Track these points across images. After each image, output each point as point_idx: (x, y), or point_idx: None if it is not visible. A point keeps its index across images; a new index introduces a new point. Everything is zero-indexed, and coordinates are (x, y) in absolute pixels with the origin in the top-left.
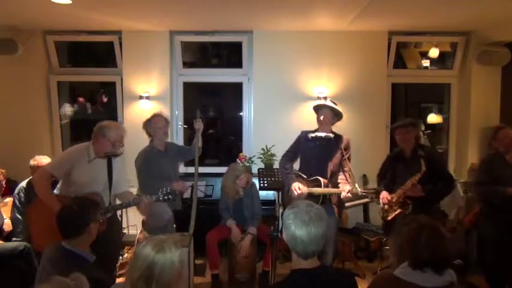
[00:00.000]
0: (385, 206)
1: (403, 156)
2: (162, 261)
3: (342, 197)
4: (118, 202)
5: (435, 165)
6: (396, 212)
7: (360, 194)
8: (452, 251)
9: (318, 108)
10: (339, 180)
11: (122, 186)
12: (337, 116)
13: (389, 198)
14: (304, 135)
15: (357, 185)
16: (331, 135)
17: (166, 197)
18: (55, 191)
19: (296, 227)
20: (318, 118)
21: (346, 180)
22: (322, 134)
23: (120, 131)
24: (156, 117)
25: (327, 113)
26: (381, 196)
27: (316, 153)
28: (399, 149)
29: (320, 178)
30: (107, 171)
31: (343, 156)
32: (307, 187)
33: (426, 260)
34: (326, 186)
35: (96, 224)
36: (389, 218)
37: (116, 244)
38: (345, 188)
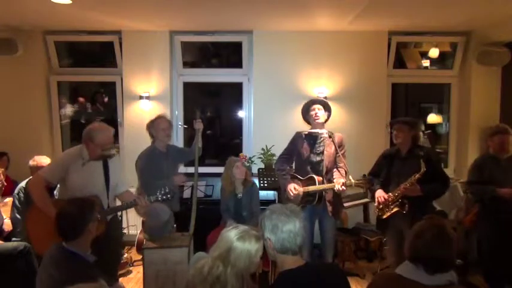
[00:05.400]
0: (381, 206)
1: (399, 155)
2: (240, 249)
3: (336, 189)
4: (118, 203)
5: (432, 165)
6: (393, 211)
7: (353, 185)
8: (450, 258)
9: (308, 107)
10: (334, 176)
11: (120, 187)
12: (328, 110)
13: (385, 197)
14: (299, 135)
15: (351, 177)
16: (326, 131)
17: (164, 197)
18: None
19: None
20: (310, 117)
21: (341, 175)
22: (318, 131)
23: (107, 133)
24: (160, 118)
25: (320, 109)
26: (377, 195)
27: (312, 151)
28: (396, 148)
29: (314, 176)
30: (103, 173)
31: (337, 153)
32: (303, 186)
33: (418, 257)
34: (321, 183)
35: (95, 222)
36: (385, 216)
37: (117, 245)
38: (339, 181)
